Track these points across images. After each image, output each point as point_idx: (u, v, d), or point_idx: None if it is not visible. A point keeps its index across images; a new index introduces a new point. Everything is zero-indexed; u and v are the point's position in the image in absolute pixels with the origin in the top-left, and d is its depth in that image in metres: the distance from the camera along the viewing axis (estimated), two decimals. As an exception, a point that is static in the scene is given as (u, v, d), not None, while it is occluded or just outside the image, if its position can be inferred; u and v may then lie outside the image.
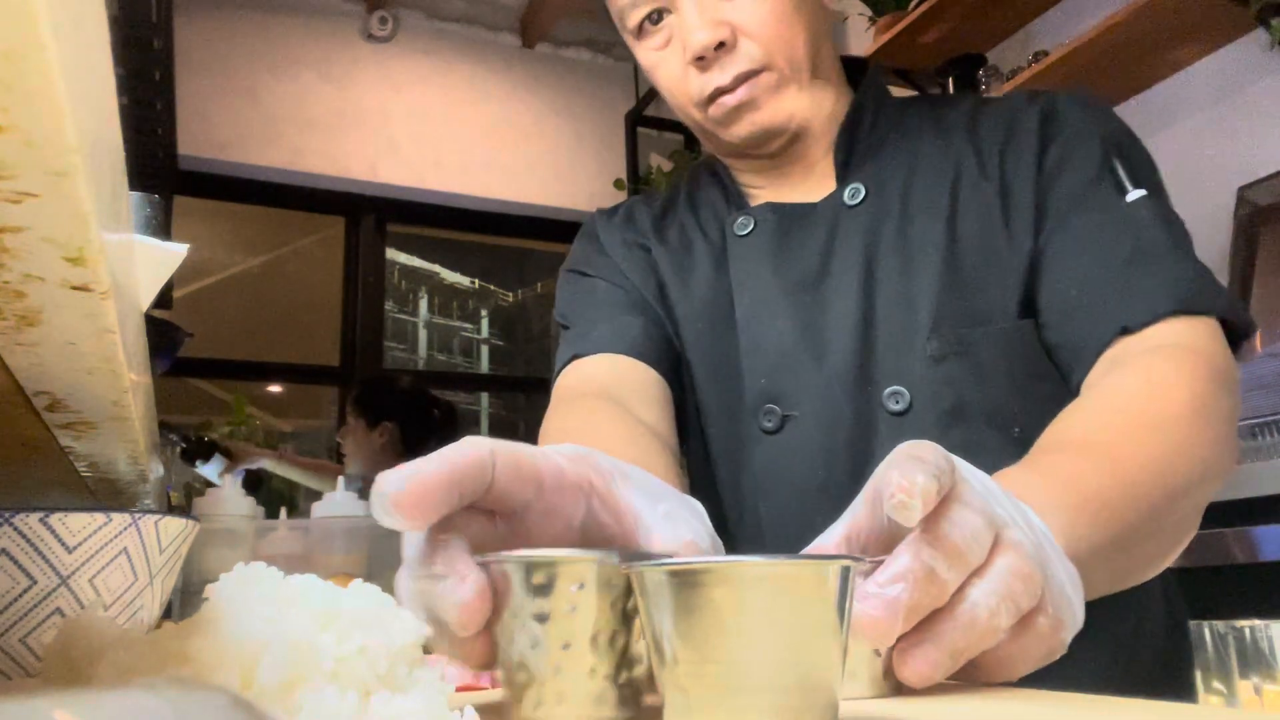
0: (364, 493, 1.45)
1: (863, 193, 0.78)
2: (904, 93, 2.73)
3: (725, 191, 0.87)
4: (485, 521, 0.39)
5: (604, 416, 0.71)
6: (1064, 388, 0.69)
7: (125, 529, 0.49)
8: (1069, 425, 0.57)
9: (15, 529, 0.46)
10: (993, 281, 0.73)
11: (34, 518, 0.47)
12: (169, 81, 2.22)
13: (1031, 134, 0.76)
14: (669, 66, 0.78)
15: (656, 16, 0.77)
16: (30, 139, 0.24)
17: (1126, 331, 0.64)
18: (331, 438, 3.34)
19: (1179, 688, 0.74)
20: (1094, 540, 0.46)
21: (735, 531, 0.78)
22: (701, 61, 0.75)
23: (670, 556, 0.38)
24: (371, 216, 3.71)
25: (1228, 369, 0.63)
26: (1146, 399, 0.58)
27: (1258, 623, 1.30)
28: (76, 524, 0.48)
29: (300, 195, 3.56)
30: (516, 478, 0.38)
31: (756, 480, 0.75)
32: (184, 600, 1.24)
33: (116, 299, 0.35)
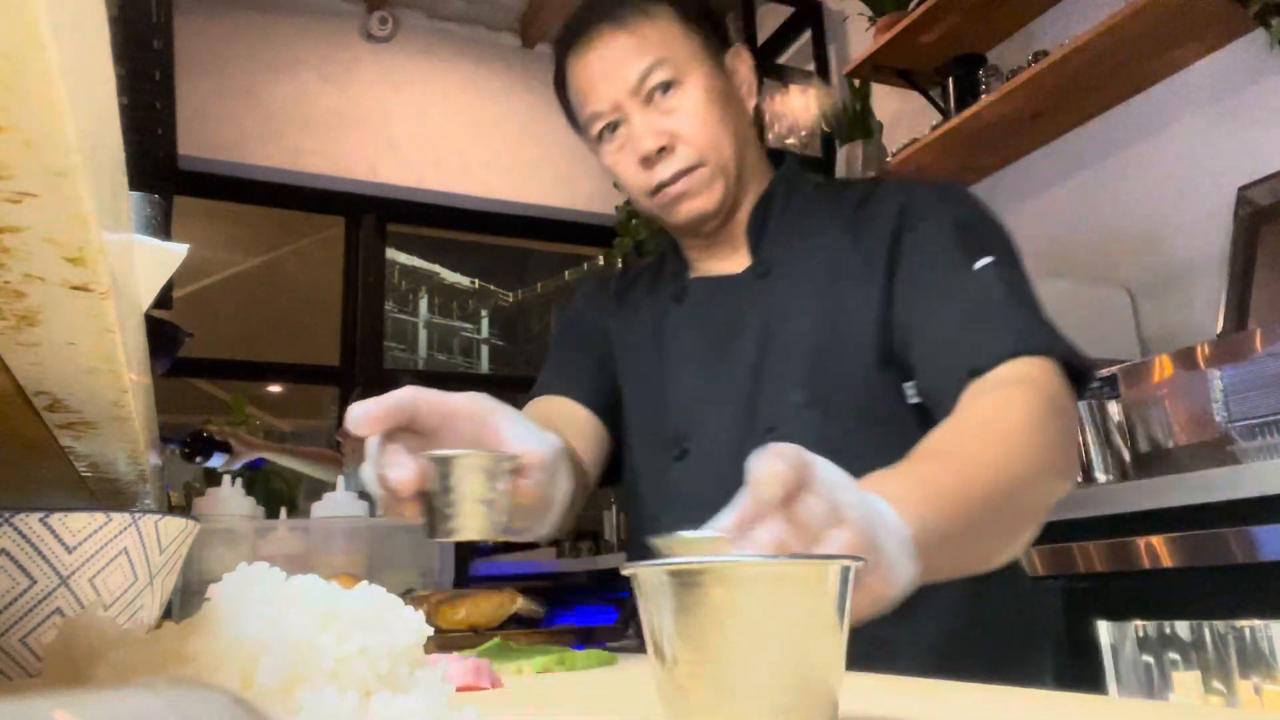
0: (365, 494, 1.45)
1: (766, 268, 0.97)
2: (903, 92, 2.68)
3: (677, 265, 1.07)
4: (414, 436, 0.64)
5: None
6: (911, 431, 0.80)
7: (125, 529, 0.49)
8: (928, 440, 0.68)
9: (15, 529, 0.46)
10: (851, 343, 0.89)
11: (34, 518, 0.47)
12: (169, 81, 2.22)
13: (892, 219, 0.91)
14: (625, 165, 0.96)
15: (614, 126, 0.96)
16: (30, 139, 0.24)
17: (975, 373, 0.76)
18: (331, 438, 3.34)
19: (1023, 670, 0.84)
20: (938, 525, 0.55)
21: (650, 525, 0.97)
22: (647, 161, 0.93)
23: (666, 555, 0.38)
24: (371, 216, 3.71)
25: (1061, 396, 0.75)
26: (989, 417, 0.71)
27: (1258, 623, 1.30)
28: (76, 524, 0.48)
29: (300, 195, 3.56)
30: (431, 410, 0.64)
31: (665, 497, 0.95)
32: (184, 600, 1.24)
33: (116, 299, 0.35)
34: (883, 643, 0.72)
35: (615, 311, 1.09)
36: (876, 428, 0.86)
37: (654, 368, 1.02)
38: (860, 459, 0.79)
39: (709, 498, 0.86)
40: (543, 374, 1.09)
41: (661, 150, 0.93)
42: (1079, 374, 0.81)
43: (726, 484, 0.85)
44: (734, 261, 1.01)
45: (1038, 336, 0.78)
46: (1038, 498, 0.70)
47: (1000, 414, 0.70)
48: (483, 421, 0.66)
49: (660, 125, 0.93)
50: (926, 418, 0.83)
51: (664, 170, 0.93)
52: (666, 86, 0.93)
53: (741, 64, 1.01)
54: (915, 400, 0.87)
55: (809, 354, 0.90)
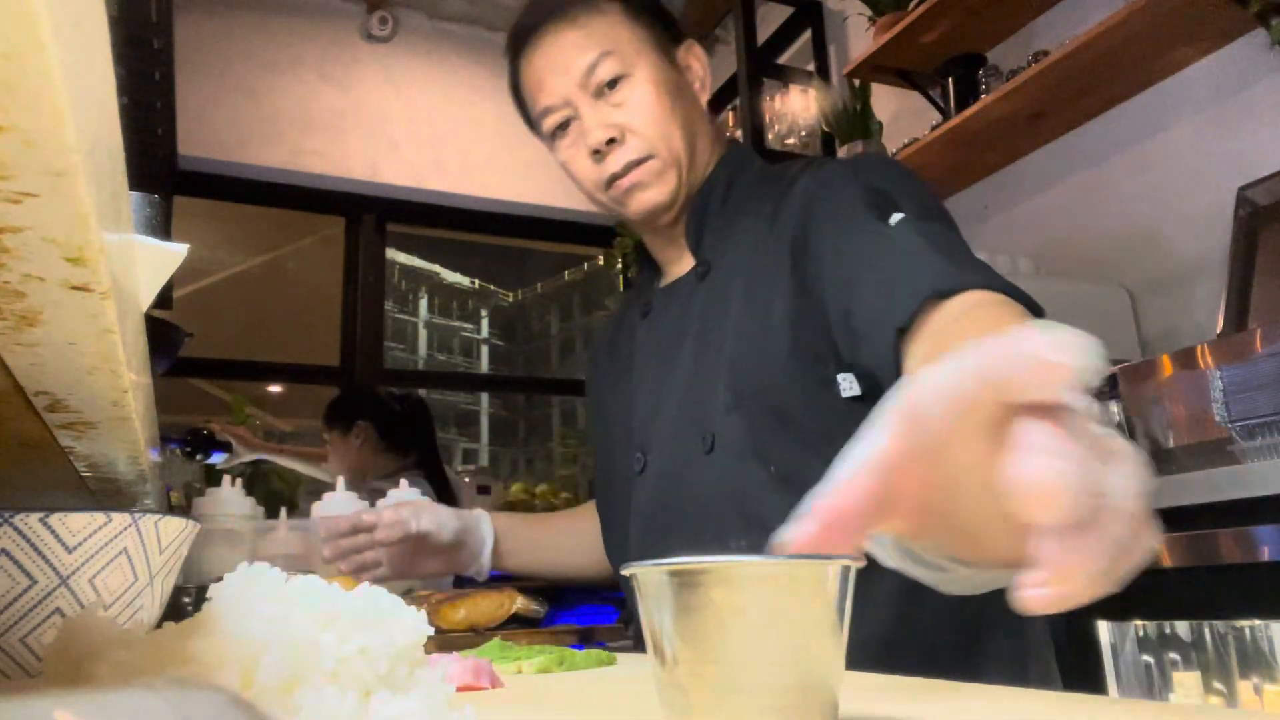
0: (365, 496, 1.45)
1: (706, 268, 0.96)
2: (903, 92, 2.68)
3: (648, 277, 1.09)
4: None
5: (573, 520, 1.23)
6: (843, 428, 0.76)
7: (125, 529, 0.49)
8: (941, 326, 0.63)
9: (15, 529, 0.46)
10: (767, 338, 0.85)
11: (34, 518, 0.47)
12: (169, 81, 2.22)
13: (800, 201, 0.88)
14: (578, 160, 0.97)
15: (566, 123, 0.97)
16: (30, 139, 0.24)
17: (901, 330, 0.68)
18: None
19: (968, 658, 0.82)
20: None
21: (620, 543, 1.01)
22: (598, 154, 0.94)
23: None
24: (371, 216, 3.70)
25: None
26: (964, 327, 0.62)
27: (1258, 623, 1.30)
28: (76, 524, 0.48)
29: (300, 195, 3.56)
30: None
31: (631, 508, 0.97)
32: (180, 598, 1.24)
33: (116, 299, 0.35)
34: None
35: (608, 354, 1.14)
36: (795, 428, 0.83)
37: (624, 384, 1.05)
38: (783, 460, 0.82)
39: (658, 510, 0.93)
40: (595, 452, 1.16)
41: (611, 142, 0.93)
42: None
43: (671, 495, 0.91)
44: (687, 260, 1.01)
45: (961, 275, 0.69)
46: None
47: (973, 323, 0.62)
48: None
49: (610, 118, 0.93)
50: (861, 415, 0.77)
51: (614, 162, 0.94)
52: (615, 80, 0.94)
53: (694, 59, 1.01)
54: (853, 394, 0.82)
55: (730, 354, 0.88)
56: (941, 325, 0.65)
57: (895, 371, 0.68)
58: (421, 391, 3.71)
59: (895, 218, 0.77)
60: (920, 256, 0.72)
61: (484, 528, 1.13)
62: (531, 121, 1.03)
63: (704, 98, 1.01)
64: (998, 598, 0.84)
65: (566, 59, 0.94)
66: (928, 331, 0.66)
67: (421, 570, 1.11)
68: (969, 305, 0.65)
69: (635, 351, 1.04)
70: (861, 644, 0.80)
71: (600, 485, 1.10)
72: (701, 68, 1.02)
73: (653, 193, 0.95)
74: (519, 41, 0.99)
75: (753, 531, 0.83)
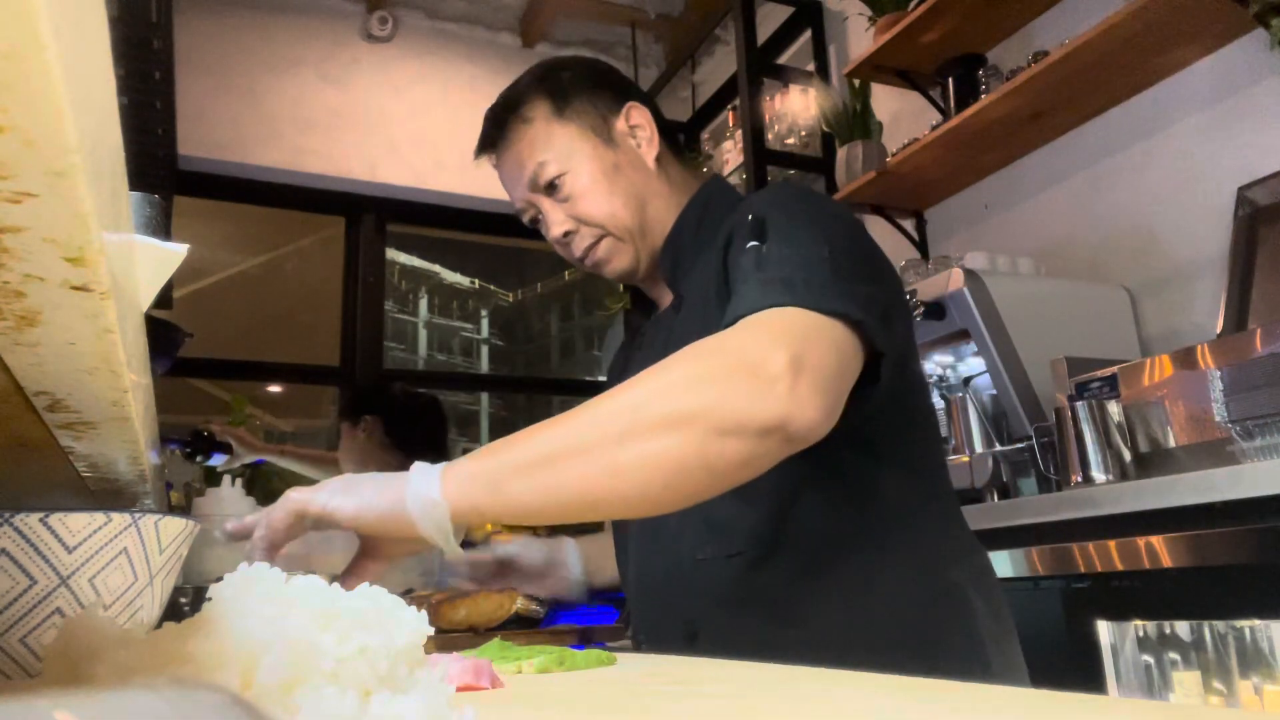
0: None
1: (680, 300, 1.05)
2: (903, 92, 2.68)
3: (643, 309, 1.18)
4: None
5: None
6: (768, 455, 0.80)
7: (125, 529, 0.49)
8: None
9: (15, 529, 0.46)
10: None
11: (34, 518, 0.47)
12: (169, 81, 2.22)
13: (726, 233, 0.93)
14: (554, 244, 1.09)
15: (535, 219, 1.09)
16: (30, 139, 0.24)
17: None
18: (331, 437, 3.34)
19: (930, 654, 0.85)
20: (477, 466, 0.72)
21: (623, 548, 1.08)
22: (561, 243, 1.07)
23: None
24: (371, 216, 3.70)
25: (716, 343, 0.74)
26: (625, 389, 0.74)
27: (1258, 623, 1.30)
28: (76, 524, 0.48)
29: (300, 195, 3.56)
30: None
31: (628, 533, 1.05)
32: (178, 598, 1.24)
33: (116, 299, 0.35)
34: (769, 644, 0.83)
35: (618, 376, 1.20)
36: None
37: None
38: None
39: (649, 526, 0.98)
40: None
41: (568, 233, 1.06)
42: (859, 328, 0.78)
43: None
44: (670, 294, 1.11)
45: (747, 303, 0.77)
46: (640, 453, 0.70)
47: (624, 390, 0.73)
48: None
49: (561, 214, 1.06)
50: None
51: (577, 248, 1.07)
52: (555, 180, 1.05)
53: (636, 117, 1.09)
54: None
55: None
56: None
57: None
58: None
59: (749, 244, 0.84)
60: (745, 284, 0.80)
61: (571, 555, 1.22)
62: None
63: (650, 154, 1.08)
64: (944, 592, 0.87)
65: (514, 172, 1.08)
66: None
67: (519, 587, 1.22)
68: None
69: (625, 378, 1.11)
70: (817, 645, 0.82)
71: None
72: (647, 123, 1.09)
73: (615, 264, 1.07)
74: (482, 153, 1.13)
75: (714, 538, 0.91)
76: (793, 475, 0.82)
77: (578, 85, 1.08)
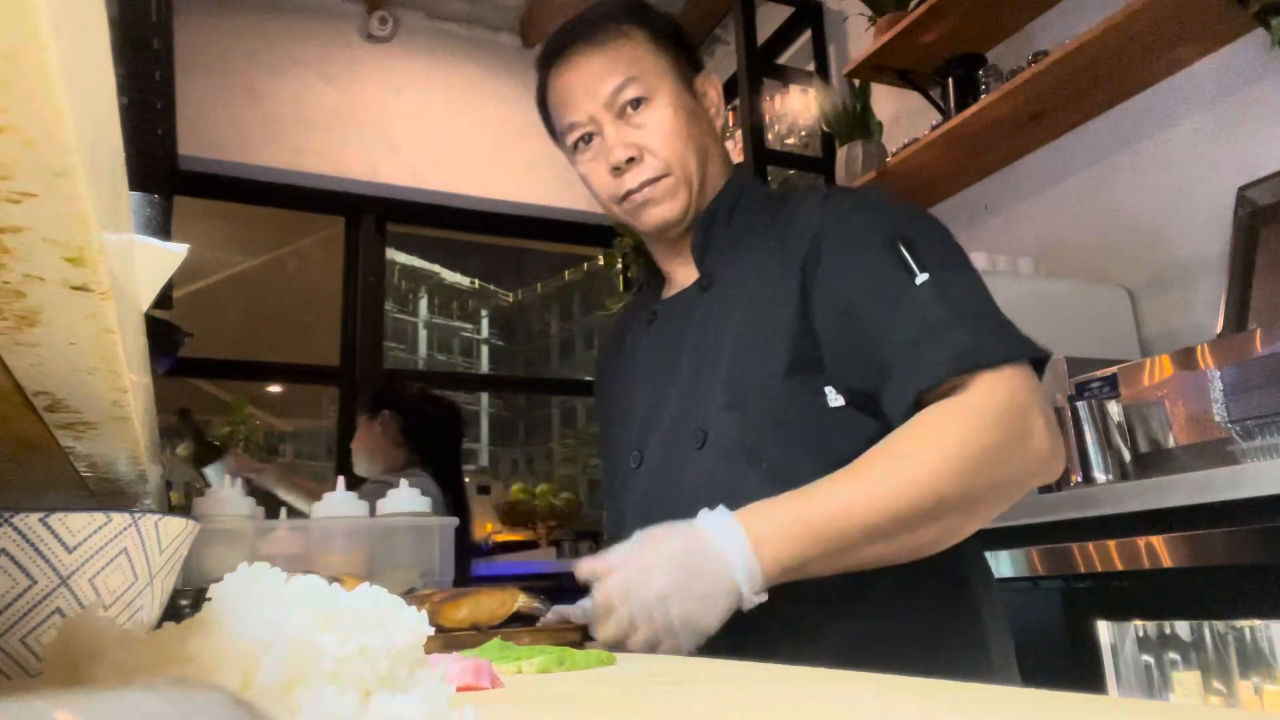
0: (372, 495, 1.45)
1: (710, 281, 1.04)
2: (903, 92, 2.68)
3: (652, 289, 1.17)
4: None
5: None
6: (829, 433, 0.90)
7: (125, 529, 0.49)
8: (833, 475, 0.82)
9: (15, 529, 0.46)
10: (767, 350, 0.93)
11: (34, 518, 0.47)
12: (169, 81, 2.22)
13: (809, 231, 0.95)
14: (597, 173, 1.04)
15: (589, 138, 1.04)
16: (30, 139, 0.24)
17: (919, 395, 0.83)
18: (331, 437, 3.34)
19: (957, 668, 0.87)
20: (794, 551, 0.78)
21: (627, 532, 1.04)
22: (617, 170, 1.02)
23: None
24: (371, 216, 3.70)
25: (981, 407, 0.81)
26: (904, 447, 0.81)
27: (1258, 623, 1.30)
28: (76, 524, 0.48)
29: (300, 195, 3.56)
30: None
31: (632, 501, 1.03)
32: (178, 599, 1.24)
33: (116, 299, 0.35)
34: (807, 629, 0.86)
35: (617, 353, 1.20)
36: (789, 429, 0.92)
37: (626, 388, 1.12)
38: (776, 459, 0.92)
39: (651, 505, 0.99)
40: (601, 453, 1.20)
41: (630, 160, 1.01)
42: (1036, 363, 0.87)
43: (663, 489, 0.98)
44: (692, 273, 1.09)
45: (983, 349, 0.83)
46: (941, 521, 0.81)
47: (914, 452, 0.80)
48: None
49: (630, 138, 1.01)
50: (848, 420, 0.91)
51: (632, 179, 1.02)
52: (637, 102, 1.01)
53: (711, 88, 1.09)
54: (837, 404, 0.92)
55: (729, 358, 0.97)
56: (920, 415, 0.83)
57: (899, 420, 0.84)
58: None
59: (921, 278, 0.86)
60: (942, 330, 0.83)
61: None
62: (554, 132, 1.10)
63: (718, 123, 1.08)
64: (956, 588, 0.90)
65: (593, 80, 1.02)
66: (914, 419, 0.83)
67: None
68: (949, 406, 0.81)
69: (639, 357, 1.11)
70: (852, 637, 0.86)
71: (609, 486, 1.16)
72: (717, 95, 1.09)
73: (664, 208, 1.03)
74: (550, 58, 1.06)
75: None
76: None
77: (673, 30, 1.08)
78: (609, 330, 1.30)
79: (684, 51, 1.07)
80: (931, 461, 0.78)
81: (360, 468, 2.59)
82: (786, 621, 0.85)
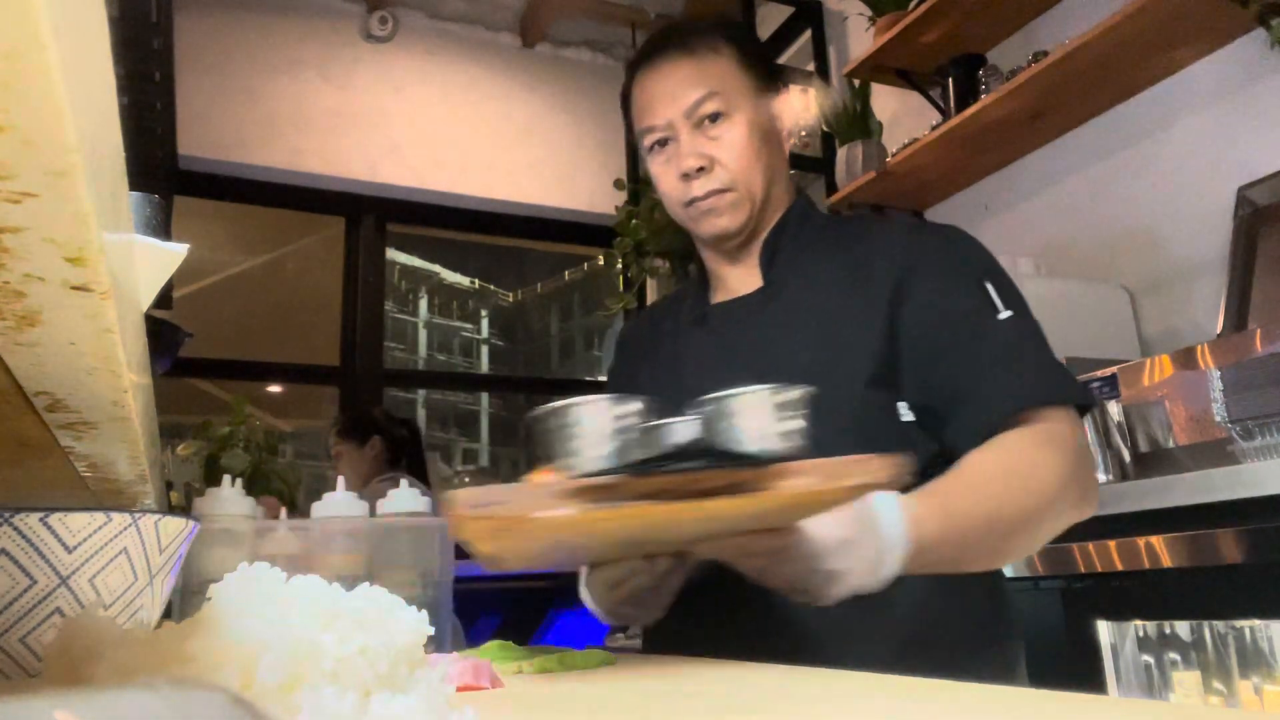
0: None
1: (775, 291, 1.07)
2: (903, 92, 2.68)
3: (696, 295, 1.18)
4: None
5: None
6: (900, 447, 0.90)
7: (125, 529, 0.49)
8: (965, 464, 0.87)
9: (15, 529, 0.46)
10: (847, 367, 0.97)
11: (34, 518, 0.47)
12: (169, 81, 2.22)
13: (896, 259, 1.00)
14: (667, 177, 1.08)
15: (664, 142, 1.08)
16: (30, 139, 0.24)
17: (1000, 419, 0.89)
18: (329, 439, 3.36)
19: (990, 668, 0.92)
20: (933, 526, 0.79)
21: None
22: (687, 177, 1.05)
23: None
24: (371, 216, 3.70)
25: (1082, 445, 0.92)
26: (1005, 462, 0.87)
27: (1258, 623, 1.30)
28: (76, 524, 0.48)
29: (300, 195, 3.56)
30: None
31: None
32: (184, 600, 1.23)
33: (116, 299, 0.35)
34: (851, 629, 0.87)
35: (646, 352, 1.21)
36: (862, 437, 0.93)
37: (673, 389, 1.09)
38: None
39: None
40: None
41: (700, 170, 1.05)
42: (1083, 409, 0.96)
43: None
44: (749, 280, 1.12)
45: (1054, 388, 0.92)
46: (1034, 530, 0.88)
47: (1031, 470, 0.86)
48: None
49: (703, 149, 1.05)
50: (916, 437, 0.95)
51: (699, 187, 1.05)
52: (715, 116, 1.05)
53: (788, 109, 1.12)
54: (908, 419, 0.96)
55: (803, 371, 0.97)
56: (1012, 437, 0.89)
57: (973, 437, 0.89)
58: (420, 393, 3.87)
59: (1005, 314, 0.95)
60: (1023, 362, 0.92)
61: None
62: (631, 129, 1.15)
63: (788, 144, 1.13)
64: (1018, 611, 0.92)
65: (678, 88, 1.06)
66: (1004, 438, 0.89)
67: None
68: (1044, 434, 0.89)
69: (685, 359, 1.12)
70: (894, 636, 0.88)
71: None
72: (792, 120, 1.13)
73: (725, 220, 1.07)
74: (641, 60, 1.11)
75: None
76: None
77: (761, 51, 1.13)
78: (634, 326, 1.32)
79: (769, 72, 1.12)
80: (1047, 480, 0.85)
81: (348, 487, 2.64)
82: (836, 621, 0.85)
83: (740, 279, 1.13)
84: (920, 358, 0.96)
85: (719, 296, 1.15)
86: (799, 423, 0.63)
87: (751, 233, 1.10)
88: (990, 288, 0.97)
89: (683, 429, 0.61)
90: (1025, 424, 0.89)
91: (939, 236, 1.05)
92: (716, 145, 1.05)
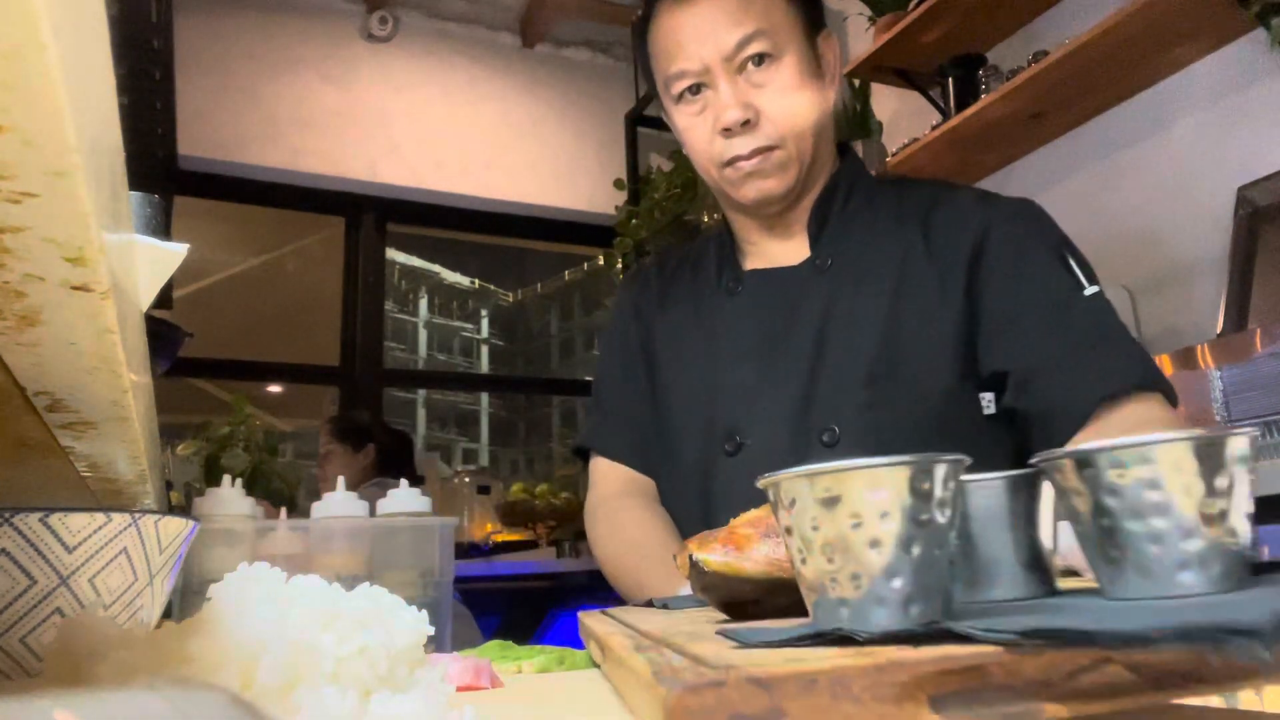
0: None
1: (828, 262, 0.95)
2: (903, 92, 2.68)
3: (721, 258, 1.05)
4: None
5: (648, 515, 1.01)
6: (981, 442, 0.84)
7: (125, 529, 0.49)
8: None
9: (15, 529, 0.46)
10: (926, 352, 0.88)
11: (34, 518, 0.47)
12: (169, 81, 2.22)
13: (972, 233, 0.91)
14: (700, 131, 0.94)
15: (696, 89, 0.92)
16: (30, 139, 0.24)
17: (1108, 399, 0.81)
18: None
19: None
20: None
21: (698, 516, 0.95)
22: (728, 132, 0.91)
23: None
24: (371, 216, 3.71)
25: (1172, 424, 0.83)
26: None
27: (1258, 623, 1.30)
28: (76, 524, 0.48)
29: (300, 195, 3.56)
30: None
31: (719, 492, 0.93)
32: (184, 600, 1.24)
33: (116, 299, 0.35)
34: None
35: (658, 311, 1.07)
36: (944, 436, 0.85)
37: (705, 360, 0.99)
38: None
39: (760, 493, 0.93)
40: (596, 417, 1.11)
41: (745, 124, 0.90)
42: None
43: None
44: (790, 249, 0.99)
45: (1155, 372, 0.85)
46: None
47: None
48: None
49: (748, 98, 0.90)
50: (998, 431, 0.89)
51: (742, 145, 0.91)
52: (760, 59, 0.90)
53: (829, 50, 0.97)
54: (990, 412, 0.88)
55: (874, 356, 0.89)
56: (1106, 420, 0.81)
57: (1072, 428, 0.81)
58: (420, 393, 3.89)
59: (1091, 290, 0.87)
60: (1119, 341, 0.85)
61: None
62: (650, 75, 0.98)
63: (831, 93, 0.97)
64: None
65: (718, 27, 0.89)
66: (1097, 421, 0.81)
67: None
68: (1146, 416, 0.81)
69: (720, 326, 1.00)
70: None
71: (642, 448, 1.04)
72: (835, 61, 0.97)
73: (771, 183, 0.93)
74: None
75: None
76: None
77: None
78: (641, 289, 1.13)
79: (814, 7, 0.96)
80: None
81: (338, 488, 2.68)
82: None
83: (781, 247, 1.00)
84: (1004, 330, 0.87)
85: (755, 263, 1.01)
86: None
87: (797, 196, 0.96)
88: (1072, 262, 0.89)
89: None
90: (1121, 406, 0.82)
91: (1014, 206, 0.95)
92: (762, 94, 0.90)
